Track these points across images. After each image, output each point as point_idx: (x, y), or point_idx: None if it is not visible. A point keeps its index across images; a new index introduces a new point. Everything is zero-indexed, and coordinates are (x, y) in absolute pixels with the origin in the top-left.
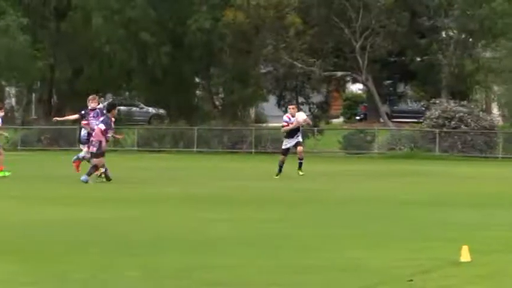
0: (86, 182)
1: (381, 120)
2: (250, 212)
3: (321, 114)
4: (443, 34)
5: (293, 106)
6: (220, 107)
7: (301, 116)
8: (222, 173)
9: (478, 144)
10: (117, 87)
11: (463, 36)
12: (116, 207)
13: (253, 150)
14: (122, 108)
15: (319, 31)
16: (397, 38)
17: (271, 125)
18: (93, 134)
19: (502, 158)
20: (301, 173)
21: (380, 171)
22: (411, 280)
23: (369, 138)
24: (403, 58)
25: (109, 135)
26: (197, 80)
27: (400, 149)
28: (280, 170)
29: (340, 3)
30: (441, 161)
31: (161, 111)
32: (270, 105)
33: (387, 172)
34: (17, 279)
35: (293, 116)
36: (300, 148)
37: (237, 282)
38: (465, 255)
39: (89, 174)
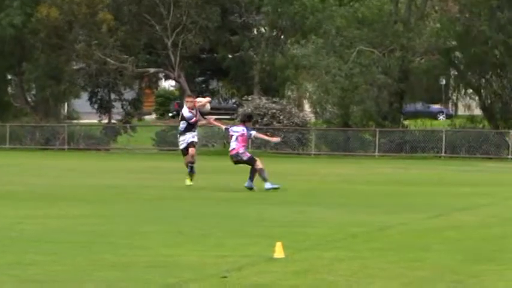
0: None
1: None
2: (63, 208)
3: (133, 110)
4: (255, 31)
5: (191, 98)
6: (32, 104)
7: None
8: (34, 170)
9: (290, 141)
10: None
11: (274, 33)
12: None
13: (66, 147)
14: None
15: (131, 28)
16: (208, 34)
17: (83, 121)
18: None
19: (314, 154)
20: (189, 182)
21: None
22: (225, 277)
23: None
24: (215, 55)
25: None
26: (9, 76)
27: (213, 145)
28: (192, 170)
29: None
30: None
31: None
32: (82, 102)
33: (201, 169)
34: None
35: (193, 109)
36: (192, 150)
37: (51, 279)
38: (279, 252)
39: None
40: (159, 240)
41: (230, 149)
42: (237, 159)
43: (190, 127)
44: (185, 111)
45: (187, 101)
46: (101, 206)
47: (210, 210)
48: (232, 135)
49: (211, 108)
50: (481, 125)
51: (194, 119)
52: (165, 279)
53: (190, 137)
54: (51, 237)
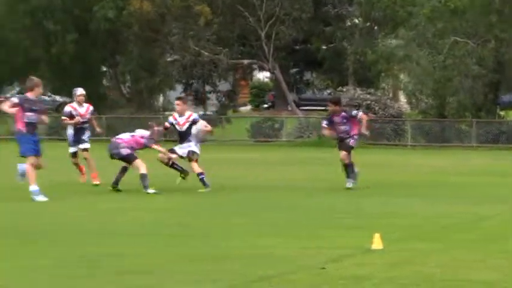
0: None
1: (289, 108)
2: (156, 201)
3: (228, 102)
4: (348, 22)
5: (179, 101)
6: (127, 95)
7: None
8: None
9: (386, 132)
10: (24, 76)
11: (368, 24)
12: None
13: (161, 139)
14: None
15: (224, 20)
16: (302, 25)
17: None
18: None
19: (411, 145)
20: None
21: (288, 159)
22: (324, 268)
23: (277, 126)
24: (308, 46)
25: None
26: (104, 68)
27: (308, 136)
28: (182, 170)
29: None
30: None
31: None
32: (176, 94)
33: (295, 160)
34: None
35: (181, 115)
36: (194, 165)
37: (145, 270)
38: (377, 243)
39: None
40: (253, 232)
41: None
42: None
43: (179, 137)
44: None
45: (177, 104)
46: (194, 198)
47: (304, 202)
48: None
49: (305, 99)
50: None
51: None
52: (263, 271)
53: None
54: (144, 230)
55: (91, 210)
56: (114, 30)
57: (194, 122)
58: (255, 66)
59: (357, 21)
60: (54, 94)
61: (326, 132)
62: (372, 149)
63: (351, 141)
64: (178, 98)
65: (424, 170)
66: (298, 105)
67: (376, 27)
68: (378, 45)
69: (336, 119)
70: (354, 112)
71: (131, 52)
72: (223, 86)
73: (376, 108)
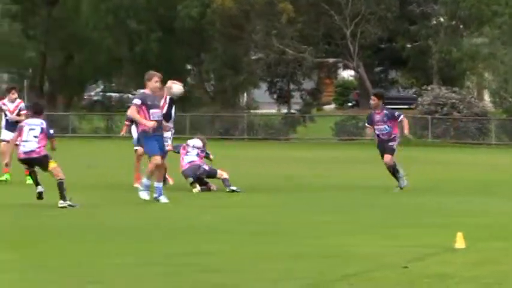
0: None
1: None
2: (240, 198)
3: (312, 100)
4: (434, 21)
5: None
6: (211, 94)
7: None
8: (214, 159)
9: (470, 130)
10: (108, 74)
11: (453, 22)
12: (106, 193)
13: (245, 137)
14: (113, 94)
15: (309, 18)
16: (387, 24)
17: (262, 111)
18: None
19: (495, 144)
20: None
21: (372, 158)
22: (406, 267)
23: (360, 124)
24: (393, 44)
25: None
26: (188, 66)
27: None
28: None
29: None
30: (434, 148)
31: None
32: (261, 92)
33: (379, 158)
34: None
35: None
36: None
37: (228, 268)
38: (460, 242)
39: None
40: (334, 230)
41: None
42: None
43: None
44: None
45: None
46: (277, 196)
47: (385, 200)
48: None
49: (389, 98)
50: None
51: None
52: (343, 269)
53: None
54: (227, 227)
55: (174, 209)
56: (198, 28)
57: None
58: (339, 64)
59: (442, 19)
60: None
61: (368, 131)
62: (456, 147)
63: (393, 144)
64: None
65: (509, 169)
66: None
67: (461, 26)
68: (463, 44)
69: (377, 117)
70: (397, 113)
71: (215, 50)
72: (308, 84)
73: (461, 107)
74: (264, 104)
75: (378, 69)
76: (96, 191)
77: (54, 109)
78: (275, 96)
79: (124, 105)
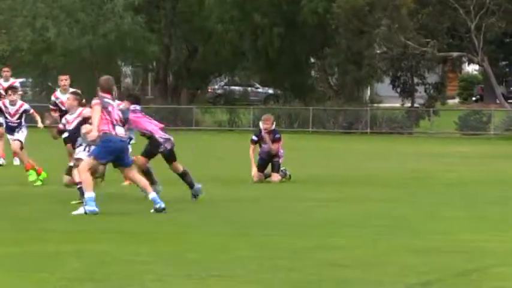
0: None
1: (497, 102)
2: (365, 192)
3: (436, 94)
4: None
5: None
6: (335, 88)
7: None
8: (337, 153)
9: None
10: (231, 68)
11: None
12: (230, 188)
13: (368, 131)
14: (237, 88)
15: (432, 11)
16: None
17: (386, 105)
18: None
19: None
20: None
21: (497, 153)
22: None
23: (485, 119)
24: None
25: None
26: (312, 60)
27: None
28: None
29: None
30: None
31: (271, 91)
32: (384, 86)
33: (505, 153)
34: (137, 260)
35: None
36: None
37: (353, 264)
38: None
39: None
40: (461, 226)
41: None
42: None
43: None
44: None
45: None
46: (402, 190)
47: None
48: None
49: None
50: None
51: None
52: (465, 264)
53: None
54: (353, 221)
55: (294, 202)
56: (322, 22)
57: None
58: (464, 59)
59: None
60: (263, 86)
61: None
62: None
63: None
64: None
65: None
66: (506, 98)
67: None
68: None
69: None
70: None
71: (339, 44)
72: (432, 78)
73: None
74: (388, 98)
75: (502, 63)
76: (232, 183)
77: (178, 102)
78: (398, 90)
79: (247, 99)
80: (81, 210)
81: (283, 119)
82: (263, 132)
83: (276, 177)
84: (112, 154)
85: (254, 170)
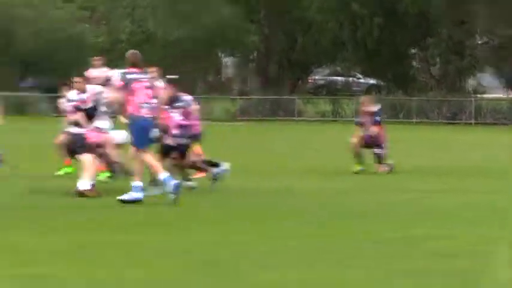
0: None
1: None
2: (469, 183)
3: None
4: None
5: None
6: (437, 78)
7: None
8: (441, 144)
9: None
10: (331, 59)
11: None
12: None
13: (473, 121)
14: (339, 78)
15: None
16: None
17: (490, 95)
18: None
19: None
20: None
21: None
22: None
23: None
24: None
25: None
26: (413, 50)
27: None
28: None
29: None
30: None
31: (372, 81)
32: (487, 76)
33: None
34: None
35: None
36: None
37: (460, 252)
38: None
39: None
40: None
41: None
42: None
43: None
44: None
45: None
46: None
47: None
48: None
49: None
50: None
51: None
52: None
53: None
54: (458, 212)
55: (398, 193)
56: (424, 11)
57: None
58: None
59: None
60: (364, 76)
61: None
62: None
63: None
64: None
65: None
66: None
67: None
68: None
69: None
70: None
71: (440, 34)
72: None
73: None
74: (492, 89)
75: None
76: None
77: (280, 93)
78: (503, 80)
79: (350, 89)
80: (127, 196)
81: (387, 109)
82: (363, 113)
83: (381, 168)
84: (144, 136)
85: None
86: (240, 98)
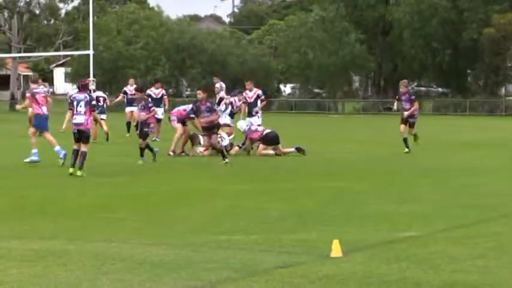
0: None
1: None
2: (498, 151)
3: None
4: None
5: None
6: (482, 86)
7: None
8: (483, 128)
9: None
10: (418, 76)
11: None
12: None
13: (504, 113)
14: (422, 88)
15: None
16: None
17: None
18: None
19: None
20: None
21: None
22: None
23: None
24: None
25: None
26: (468, 70)
27: None
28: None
29: None
30: None
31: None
32: None
33: None
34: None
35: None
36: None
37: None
38: None
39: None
40: None
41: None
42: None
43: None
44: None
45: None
46: None
47: None
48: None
49: None
50: None
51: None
52: None
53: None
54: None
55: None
56: (474, 46)
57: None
58: None
59: None
60: (437, 87)
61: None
62: None
63: None
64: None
65: None
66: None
67: None
68: None
69: None
70: None
71: (484, 60)
72: None
73: None
74: None
75: None
76: None
77: (386, 98)
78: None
79: (429, 95)
80: None
81: (450, 107)
82: (402, 93)
83: (411, 131)
84: None
85: (402, 126)
86: (363, 100)
